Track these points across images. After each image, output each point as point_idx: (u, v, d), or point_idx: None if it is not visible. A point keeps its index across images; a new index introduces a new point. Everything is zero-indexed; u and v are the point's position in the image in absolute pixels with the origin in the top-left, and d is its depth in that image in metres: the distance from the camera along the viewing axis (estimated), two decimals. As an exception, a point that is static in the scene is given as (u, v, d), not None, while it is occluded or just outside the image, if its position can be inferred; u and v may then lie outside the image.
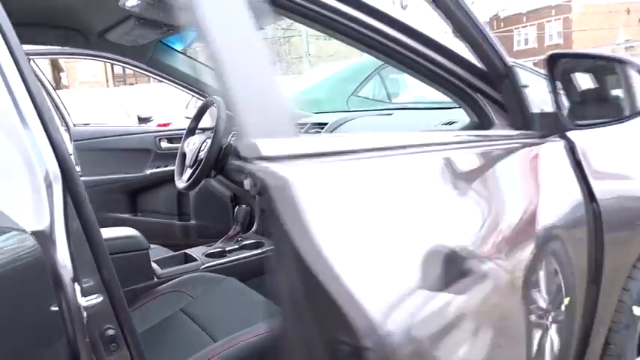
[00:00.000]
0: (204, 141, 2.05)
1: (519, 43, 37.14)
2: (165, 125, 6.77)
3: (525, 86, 1.16)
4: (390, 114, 1.98)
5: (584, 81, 1.13)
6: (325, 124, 1.84)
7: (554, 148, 1.18)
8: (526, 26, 36.74)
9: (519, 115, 1.18)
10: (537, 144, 1.17)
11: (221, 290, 1.57)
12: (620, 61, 1.10)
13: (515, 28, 37.28)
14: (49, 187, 0.75)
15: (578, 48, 29.72)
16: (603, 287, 1.29)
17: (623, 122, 1.17)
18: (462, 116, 1.39)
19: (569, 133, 1.20)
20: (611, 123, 1.18)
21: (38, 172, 0.75)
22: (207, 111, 2.25)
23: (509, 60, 1.18)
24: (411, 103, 4.04)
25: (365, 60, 4.31)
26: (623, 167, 1.26)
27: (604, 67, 1.13)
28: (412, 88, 4.29)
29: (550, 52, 1.15)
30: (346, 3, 1.09)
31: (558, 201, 1.13)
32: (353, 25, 1.14)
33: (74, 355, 0.76)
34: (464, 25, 1.16)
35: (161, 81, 2.30)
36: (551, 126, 1.16)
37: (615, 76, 1.14)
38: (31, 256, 0.70)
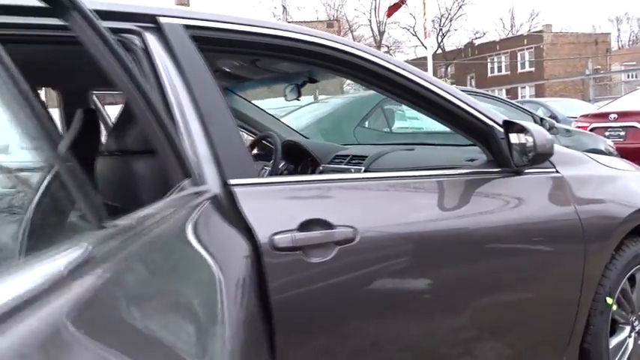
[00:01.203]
0: (262, 168, 2.49)
1: (493, 70, 38.24)
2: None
3: (503, 138, 1.67)
4: (412, 149, 2.45)
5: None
6: (365, 157, 2.30)
7: (521, 180, 1.72)
8: (499, 54, 37.83)
9: (502, 158, 1.70)
10: (506, 177, 1.70)
11: None
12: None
13: (489, 56, 38.38)
14: None
15: (549, 76, 30.89)
16: (584, 283, 1.77)
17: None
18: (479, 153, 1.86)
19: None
20: (526, 167, 1.71)
21: None
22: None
23: (489, 120, 1.68)
24: (410, 133, 4.51)
25: (365, 93, 4.78)
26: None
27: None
28: (410, 120, 4.75)
29: (504, 120, 1.69)
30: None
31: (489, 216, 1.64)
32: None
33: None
34: (444, 109, 1.67)
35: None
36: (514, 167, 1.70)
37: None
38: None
